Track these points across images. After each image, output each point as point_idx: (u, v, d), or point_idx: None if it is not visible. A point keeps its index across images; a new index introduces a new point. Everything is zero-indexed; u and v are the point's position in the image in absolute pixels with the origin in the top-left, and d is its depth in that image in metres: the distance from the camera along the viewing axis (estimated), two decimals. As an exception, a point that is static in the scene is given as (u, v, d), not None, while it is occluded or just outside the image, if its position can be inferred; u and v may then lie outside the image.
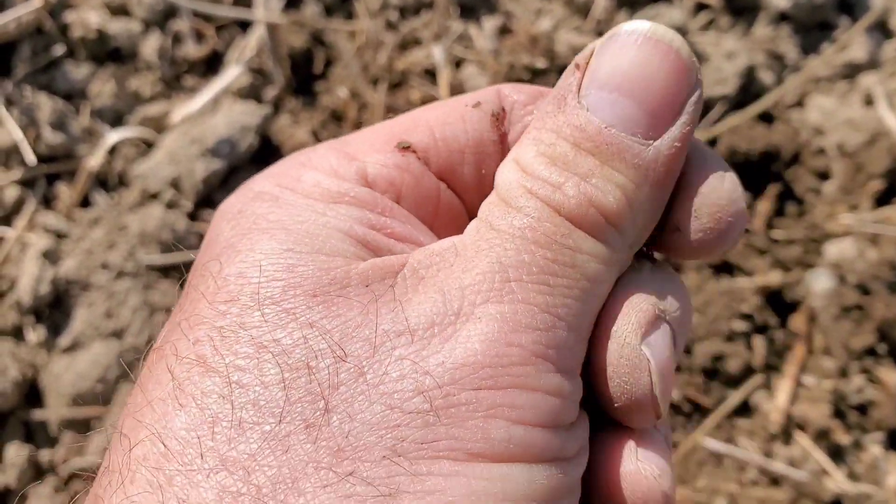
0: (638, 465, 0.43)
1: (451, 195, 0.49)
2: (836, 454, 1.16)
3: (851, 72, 1.43)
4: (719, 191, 0.44)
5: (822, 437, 1.15)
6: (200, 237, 1.27)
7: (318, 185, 0.44)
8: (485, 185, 0.48)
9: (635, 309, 0.43)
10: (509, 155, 0.45)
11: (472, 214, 0.46)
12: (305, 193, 0.43)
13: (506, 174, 0.43)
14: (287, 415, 0.35)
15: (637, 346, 0.43)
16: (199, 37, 1.42)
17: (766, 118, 1.38)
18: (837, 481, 1.12)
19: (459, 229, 0.45)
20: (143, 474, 0.35)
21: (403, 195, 0.46)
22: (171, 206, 1.27)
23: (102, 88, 1.37)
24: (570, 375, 0.41)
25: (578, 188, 0.41)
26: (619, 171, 0.42)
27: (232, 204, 0.45)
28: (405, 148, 0.47)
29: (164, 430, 0.36)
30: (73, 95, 1.37)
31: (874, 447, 1.16)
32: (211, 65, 1.42)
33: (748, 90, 1.39)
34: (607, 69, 0.42)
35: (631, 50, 0.42)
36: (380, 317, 0.38)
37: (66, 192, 1.31)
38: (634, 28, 0.43)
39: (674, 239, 0.46)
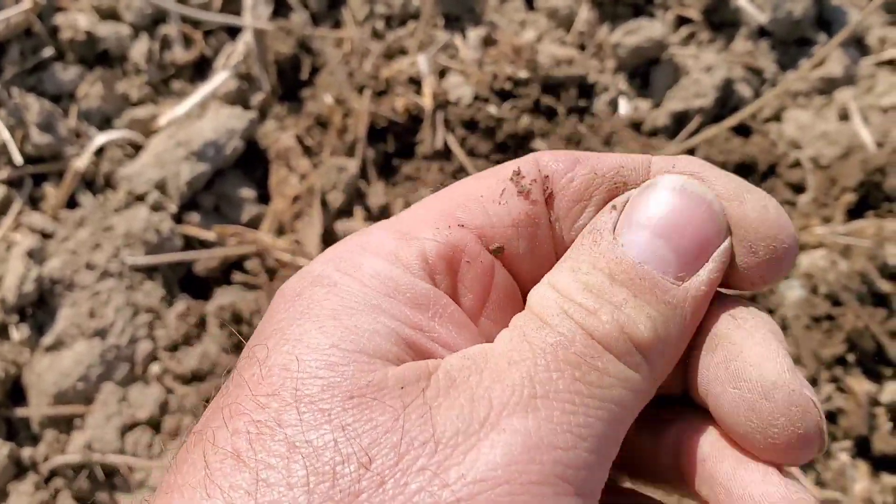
0: (789, 493, 0.42)
1: (505, 273, 0.49)
2: (805, 461, 1.18)
3: (828, 87, 1.46)
4: (768, 222, 0.45)
5: (791, 444, 1.17)
6: (185, 239, 1.29)
7: (377, 275, 0.44)
8: (537, 261, 0.48)
9: (780, 354, 0.44)
10: (544, 278, 0.46)
11: (525, 292, 0.47)
12: (363, 282, 0.44)
13: (542, 292, 0.44)
14: None
15: (803, 391, 0.43)
16: (188, 42, 1.44)
17: (744, 131, 1.41)
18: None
19: (515, 308, 0.46)
20: None
21: (461, 274, 0.47)
22: (156, 208, 1.29)
23: (90, 91, 1.38)
24: (589, 498, 0.40)
25: (612, 315, 0.43)
26: (651, 304, 0.44)
27: (292, 286, 0.45)
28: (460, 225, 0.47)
29: None
30: (61, 97, 1.39)
31: (842, 455, 1.19)
32: (199, 69, 1.44)
33: (726, 103, 1.42)
34: (643, 212, 0.45)
35: (667, 197, 0.45)
36: (408, 422, 0.38)
37: (52, 193, 1.32)
38: (672, 180, 0.46)
39: (738, 277, 0.47)
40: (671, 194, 0.45)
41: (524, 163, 0.48)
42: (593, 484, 0.41)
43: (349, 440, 0.37)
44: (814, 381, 1.21)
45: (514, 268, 0.48)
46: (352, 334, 0.41)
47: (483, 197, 0.47)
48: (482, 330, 0.47)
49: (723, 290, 0.48)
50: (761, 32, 1.50)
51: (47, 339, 1.20)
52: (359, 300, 0.43)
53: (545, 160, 0.48)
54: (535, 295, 0.45)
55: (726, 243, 0.45)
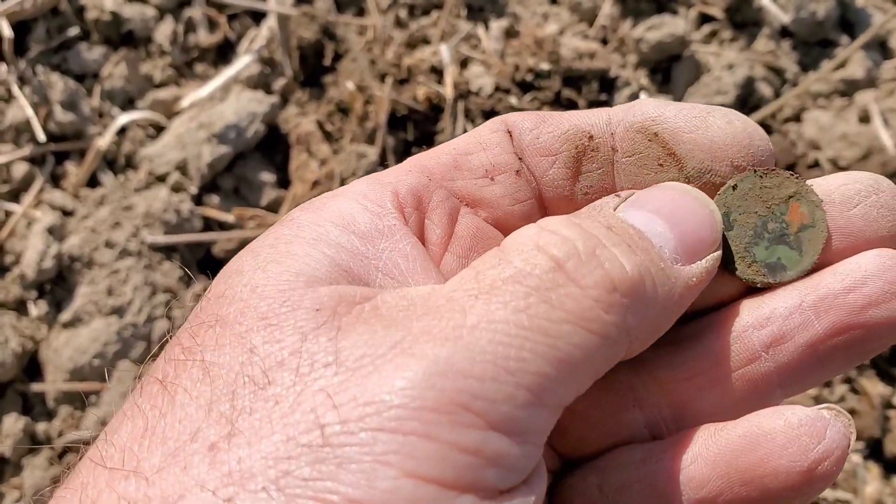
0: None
1: (479, 220, 0.48)
2: (817, 460, 1.18)
3: (849, 89, 1.46)
4: (736, 133, 0.46)
5: (803, 442, 1.17)
6: (205, 220, 1.30)
7: (336, 209, 0.44)
8: (518, 210, 0.48)
9: None
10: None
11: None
12: (319, 215, 0.44)
13: (521, 230, 0.41)
14: (199, 434, 0.36)
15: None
16: (212, 25, 1.44)
17: (764, 130, 1.40)
18: (816, 486, 1.14)
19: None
20: (78, 474, 0.37)
21: (430, 209, 0.47)
22: (176, 188, 1.29)
23: (114, 71, 1.39)
24: (516, 437, 0.36)
25: (593, 247, 0.39)
26: (644, 257, 0.40)
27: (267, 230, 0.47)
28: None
29: (111, 437, 0.38)
30: (86, 76, 1.40)
31: (854, 456, 1.19)
32: (222, 53, 1.44)
33: (746, 101, 1.42)
34: (646, 198, 0.45)
35: (670, 192, 0.45)
36: (315, 344, 0.37)
37: (73, 171, 1.33)
38: (679, 185, 0.46)
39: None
40: (676, 192, 0.45)
41: (493, 122, 0.49)
42: (525, 424, 0.36)
43: (252, 363, 0.37)
44: (828, 382, 1.21)
45: (493, 216, 0.49)
46: (281, 256, 0.41)
47: (454, 148, 0.49)
48: (447, 267, 0.47)
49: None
50: (783, 32, 1.49)
51: (65, 316, 1.21)
52: (305, 230, 0.43)
53: (512, 119, 0.49)
54: (512, 233, 0.41)
55: (718, 253, 0.45)
